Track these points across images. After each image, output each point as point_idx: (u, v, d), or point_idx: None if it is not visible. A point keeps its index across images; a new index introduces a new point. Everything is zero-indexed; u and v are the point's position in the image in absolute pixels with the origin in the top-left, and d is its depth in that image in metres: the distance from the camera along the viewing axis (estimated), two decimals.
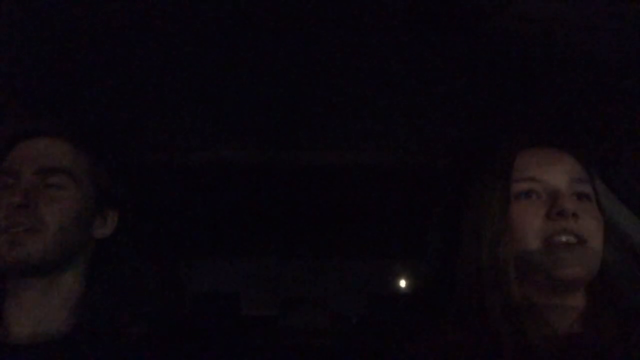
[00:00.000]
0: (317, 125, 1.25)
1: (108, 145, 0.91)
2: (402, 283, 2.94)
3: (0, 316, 0.79)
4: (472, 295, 0.76)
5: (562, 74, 0.91)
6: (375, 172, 1.48)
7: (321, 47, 0.94)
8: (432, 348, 0.76)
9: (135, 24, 0.87)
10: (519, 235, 0.74)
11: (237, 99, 1.12)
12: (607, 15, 0.75)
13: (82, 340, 0.77)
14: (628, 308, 0.76)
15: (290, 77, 1.05)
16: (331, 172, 1.50)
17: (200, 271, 2.51)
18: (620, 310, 0.75)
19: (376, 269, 2.91)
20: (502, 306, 0.73)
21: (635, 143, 0.98)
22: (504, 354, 0.70)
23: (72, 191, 0.81)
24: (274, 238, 2.34)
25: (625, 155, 1.00)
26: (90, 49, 0.93)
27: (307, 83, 1.06)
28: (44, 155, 0.81)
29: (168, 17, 0.86)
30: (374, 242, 2.37)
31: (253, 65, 1.00)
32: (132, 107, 1.15)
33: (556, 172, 0.77)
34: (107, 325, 0.79)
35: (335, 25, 0.88)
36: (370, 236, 2.26)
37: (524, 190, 0.76)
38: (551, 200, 0.75)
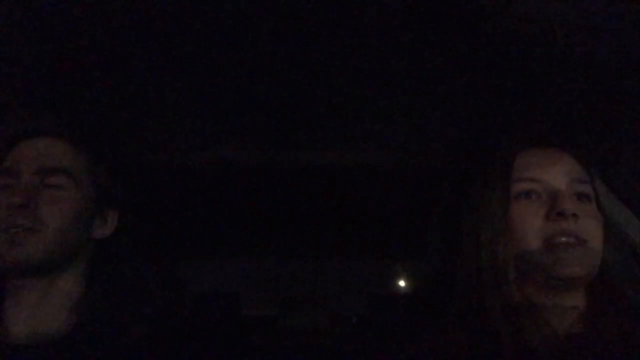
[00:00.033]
0: (317, 125, 1.25)
1: (108, 145, 0.91)
2: (402, 283, 2.94)
3: (0, 316, 0.79)
4: (472, 295, 0.76)
5: (562, 74, 0.91)
6: (375, 172, 1.48)
7: (321, 47, 0.94)
8: (432, 348, 0.76)
9: (135, 24, 0.87)
10: (519, 235, 0.74)
11: (237, 99, 1.12)
12: (607, 15, 0.75)
13: (82, 340, 0.77)
14: (628, 308, 0.76)
15: (290, 77, 1.05)
16: (331, 172, 1.50)
17: (200, 271, 2.51)
18: (620, 310, 0.75)
19: (376, 269, 2.91)
20: (501, 306, 0.73)
21: (635, 143, 0.98)
22: (504, 354, 0.70)
23: (72, 191, 0.81)
24: (274, 238, 2.34)
25: (625, 155, 1.00)
26: (91, 49, 0.93)
27: (307, 83, 1.07)
28: (44, 155, 0.81)
29: (168, 17, 0.86)
30: (374, 242, 2.37)
31: (253, 66, 1.00)
32: (132, 107, 1.15)
33: (556, 173, 0.77)
34: (107, 325, 0.79)
35: (335, 25, 0.88)
36: (370, 236, 2.26)
37: (524, 191, 0.76)
38: (551, 200, 0.74)
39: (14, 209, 0.75)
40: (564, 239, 0.72)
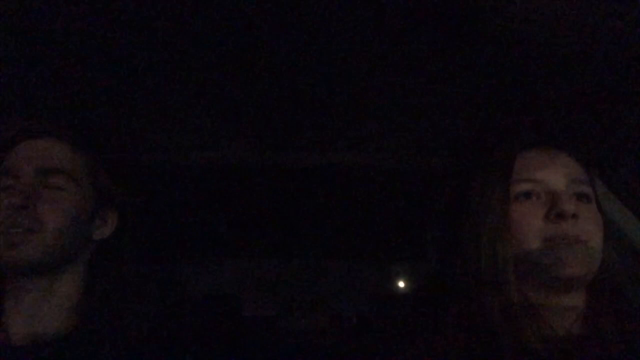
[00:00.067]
0: (317, 125, 1.25)
1: (108, 146, 0.91)
2: (402, 283, 2.94)
3: (0, 317, 0.79)
4: (472, 295, 0.76)
5: (562, 74, 0.91)
6: (375, 172, 1.48)
7: (321, 47, 0.94)
8: (432, 348, 0.76)
9: (135, 24, 0.87)
10: (519, 235, 0.74)
11: (236, 99, 1.12)
12: (607, 15, 0.75)
13: (81, 341, 0.77)
14: (628, 308, 0.76)
15: (290, 78, 1.05)
16: (331, 172, 1.50)
17: (200, 272, 2.51)
18: (620, 311, 0.75)
19: (376, 269, 2.91)
20: (501, 306, 0.73)
21: (635, 143, 0.98)
22: (504, 355, 0.70)
23: (71, 192, 0.81)
24: (275, 239, 2.34)
25: (625, 155, 1.00)
26: (90, 49, 0.93)
27: (307, 83, 1.06)
28: (44, 156, 0.81)
29: (168, 17, 0.86)
30: (374, 243, 2.37)
31: (253, 66, 1.00)
32: (132, 107, 1.15)
33: (556, 173, 0.77)
34: (107, 326, 0.79)
35: (336, 25, 0.88)
36: (370, 236, 2.26)
37: (524, 191, 0.76)
38: (551, 201, 0.75)
39: (13, 209, 0.75)
40: (563, 239, 0.72)
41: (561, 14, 0.77)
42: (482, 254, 0.76)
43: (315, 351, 2.03)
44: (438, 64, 0.97)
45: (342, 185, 1.65)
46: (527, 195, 0.76)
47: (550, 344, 0.70)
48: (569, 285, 0.73)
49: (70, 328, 0.78)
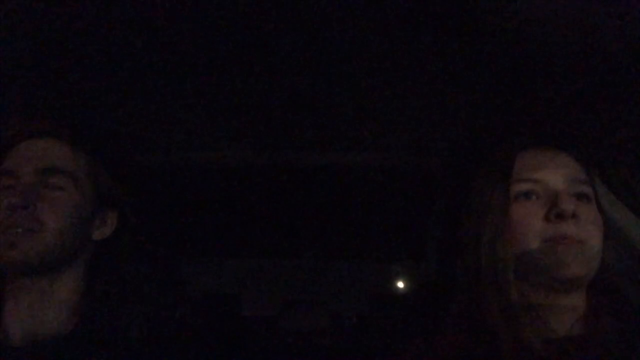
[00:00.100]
0: (317, 125, 1.25)
1: (108, 146, 0.91)
2: (402, 283, 2.94)
3: (0, 316, 0.79)
4: (472, 296, 0.76)
5: (562, 74, 0.91)
6: (375, 172, 1.48)
7: (321, 47, 0.94)
8: (432, 348, 0.76)
9: (135, 24, 0.87)
10: (519, 236, 0.74)
11: (237, 99, 1.12)
12: (607, 15, 0.75)
13: (81, 341, 0.77)
14: (628, 308, 0.76)
15: (290, 78, 1.05)
16: (331, 172, 1.50)
17: (200, 272, 2.51)
18: (620, 311, 0.75)
19: (376, 269, 2.91)
20: (501, 306, 0.73)
21: (635, 143, 0.98)
22: (504, 355, 0.70)
23: (71, 192, 0.81)
24: (274, 239, 2.34)
25: (625, 155, 1.00)
26: (90, 49, 0.93)
27: (307, 83, 1.06)
28: (44, 156, 0.81)
29: (168, 17, 0.86)
30: (373, 243, 2.37)
31: (253, 66, 1.00)
32: (132, 107, 1.15)
33: (556, 173, 0.77)
34: (107, 326, 0.79)
35: (335, 25, 0.88)
36: (370, 236, 2.26)
37: (524, 191, 0.76)
38: (551, 201, 0.75)
39: (13, 209, 0.75)
40: (563, 239, 0.72)
41: (561, 13, 0.77)
42: (482, 254, 0.76)
43: (315, 351, 2.03)
44: (438, 64, 0.97)
45: (342, 185, 1.65)
46: (527, 195, 0.76)
47: (550, 344, 0.70)
48: (568, 285, 0.73)
49: (70, 328, 0.78)
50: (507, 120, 1.09)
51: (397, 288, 2.92)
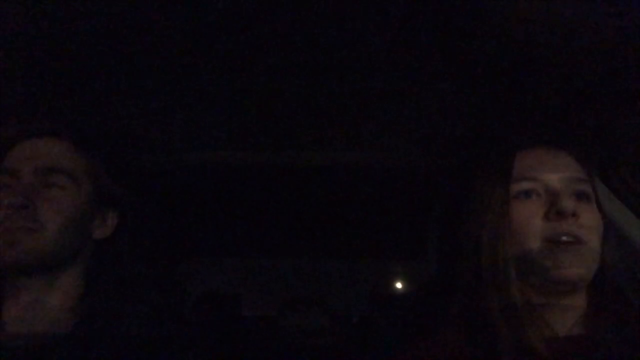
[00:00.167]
0: (317, 125, 1.25)
1: (108, 146, 0.91)
2: (402, 283, 2.94)
3: (0, 316, 0.79)
4: (472, 296, 0.76)
5: (562, 74, 0.91)
6: (375, 172, 1.48)
7: (321, 47, 0.94)
8: (432, 348, 0.76)
9: (135, 24, 0.87)
10: (519, 235, 0.74)
11: (236, 98, 1.12)
12: (607, 15, 0.75)
13: (81, 340, 0.77)
14: (628, 308, 0.76)
15: (290, 78, 1.05)
16: (331, 172, 1.50)
17: (200, 271, 2.51)
18: (620, 311, 0.75)
19: (376, 269, 2.91)
20: (501, 306, 0.73)
21: (635, 143, 0.98)
22: (504, 355, 0.70)
23: (71, 191, 0.81)
24: (274, 238, 2.34)
25: (625, 155, 1.00)
26: (91, 49, 0.93)
27: (307, 83, 1.06)
28: (44, 155, 0.81)
29: (168, 17, 0.86)
30: (374, 242, 2.37)
31: (253, 66, 1.00)
32: (132, 107, 1.15)
33: (556, 172, 0.77)
34: (107, 325, 0.79)
35: (336, 25, 0.88)
36: (370, 236, 2.26)
37: (524, 190, 0.76)
38: (551, 199, 0.74)
39: (13, 209, 0.75)
40: (563, 238, 0.72)
41: (561, 13, 0.77)
42: (482, 254, 0.76)
43: (315, 351, 2.03)
44: (438, 64, 0.97)
45: (342, 185, 1.65)
46: (527, 194, 0.76)
47: (551, 344, 0.70)
48: (568, 286, 0.73)
49: (70, 328, 0.78)
50: (507, 119, 1.08)
51: (397, 288, 2.92)
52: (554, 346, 0.70)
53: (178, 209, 1.74)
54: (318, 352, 2.02)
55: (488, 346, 0.71)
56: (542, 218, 0.74)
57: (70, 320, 0.79)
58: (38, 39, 0.88)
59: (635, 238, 1.01)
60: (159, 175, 1.43)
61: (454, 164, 1.26)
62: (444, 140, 1.27)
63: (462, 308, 0.77)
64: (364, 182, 1.60)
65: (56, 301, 0.79)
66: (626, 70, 0.85)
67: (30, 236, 0.75)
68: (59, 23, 0.85)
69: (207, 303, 2.18)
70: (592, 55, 0.84)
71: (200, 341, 0.88)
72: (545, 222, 0.73)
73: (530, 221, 0.74)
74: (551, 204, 0.74)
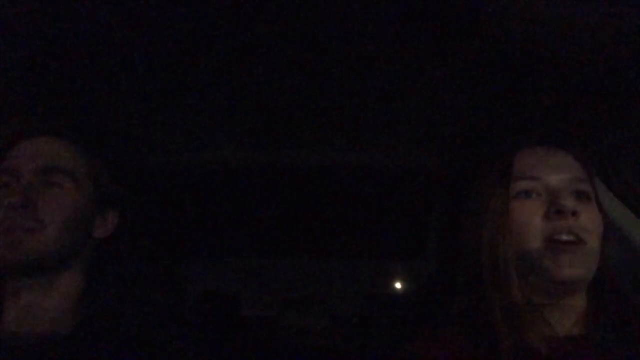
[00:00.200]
0: (317, 125, 1.25)
1: (108, 146, 0.91)
2: (402, 283, 2.94)
3: (0, 316, 0.79)
4: (472, 296, 0.76)
5: (562, 74, 0.91)
6: (375, 172, 1.48)
7: (321, 48, 0.94)
8: (432, 348, 0.76)
9: (135, 24, 0.87)
10: (519, 234, 0.74)
11: (236, 98, 1.12)
12: (607, 15, 0.75)
13: (82, 339, 0.77)
14: (629, 308, 0.76)
15: (290, 77, 1.05)
16: (331, 172, 1.50)
17: (200, 271, 2.51)
18: (621, 311, 0.75)
19: (376, 269, 2.90)
20: (501, 306, 0.73)
21: (635, 143, 0.98)
22: (505, 355, 0.70)
23: (72, 191, 0.81)
24: (274, 238, 2.34)
25: (625, 155, 1.00)
26: (91, 49, 0.93)
27: (307, 83, 1.06)
28: (44, 155, 0.81)
29: (168, 17, 0.86)
30: (373, 242, 2.37)
31: (252, 66, 1.00)
32: (132, 107, 1.15)
33: (556, 171, 0.77)
34: (107, 324, 0.79)
35: (336, 25, 0.88)
36: (370, 236, 2.26)
37: (524, 189, 0.77)
38: (551, 199, 0.75)
39: (14, 208, 0.75)
40: (564, 237, 0.72)
41: (561, 13, 0.77)
42: (483, 254, 0.76)
43: (315, 351, 2.03)
44: (438, 64, 0.97)
45: (342, 185, 1.64)
46: (527, 193, 0.76)
47: (551, 344, 0.70)
48: (568, 287, 0.73)
49: (71, 327, 0.78)
50: (507, 119, 1.09)
51: (398, 288, 2.92)
52: (554, 346, 0.70)
53: (178, 209, 1.74)
54: (318, 352, 2.02)
55: (488, 346, 0.71)
56: (542, 217, 0.74)
57: (71, 320, 0.79)
58: (38, 39, 0.88)
59: (635, 238, 1.02)
60: (159, 175, 1.43)
61: (454, 164, 1.26)
62: (444, 140, 1.27)
63: (462, 308, 0.77)
64: (364, 182, 1.60)
65: (56, 301, 0.79)
66: (626, 70, 0.85)
67: (31, 236, 0.75)
68: (59, 23, 0.85)
69: (207, 303, 2.18)
70: (591, 55, 0.84)
71: (200, 341, 0.88)
72: (545, 221, 0.73)
73: (530, 221, 0.74)
74: (551, 203, 0.74)
